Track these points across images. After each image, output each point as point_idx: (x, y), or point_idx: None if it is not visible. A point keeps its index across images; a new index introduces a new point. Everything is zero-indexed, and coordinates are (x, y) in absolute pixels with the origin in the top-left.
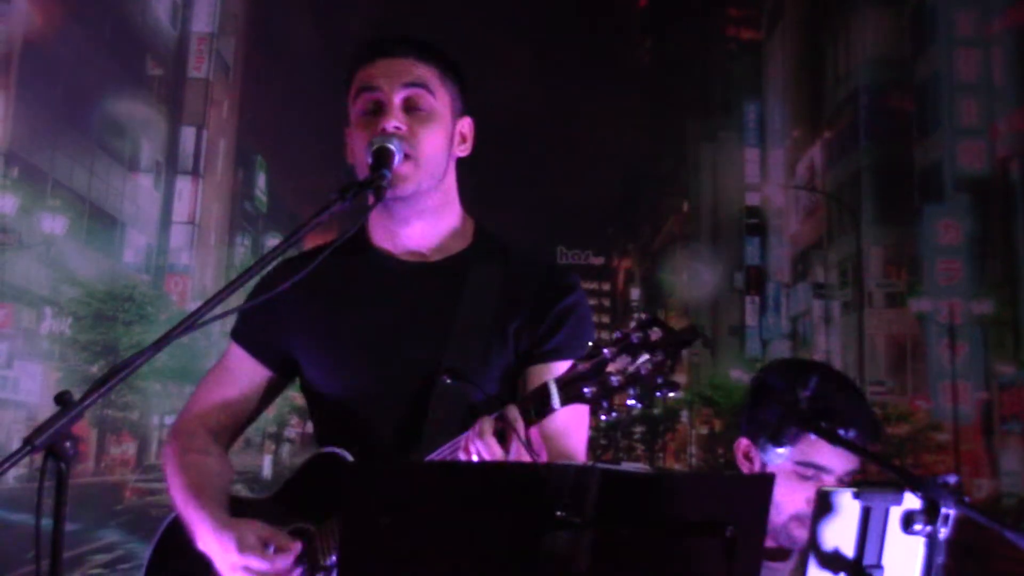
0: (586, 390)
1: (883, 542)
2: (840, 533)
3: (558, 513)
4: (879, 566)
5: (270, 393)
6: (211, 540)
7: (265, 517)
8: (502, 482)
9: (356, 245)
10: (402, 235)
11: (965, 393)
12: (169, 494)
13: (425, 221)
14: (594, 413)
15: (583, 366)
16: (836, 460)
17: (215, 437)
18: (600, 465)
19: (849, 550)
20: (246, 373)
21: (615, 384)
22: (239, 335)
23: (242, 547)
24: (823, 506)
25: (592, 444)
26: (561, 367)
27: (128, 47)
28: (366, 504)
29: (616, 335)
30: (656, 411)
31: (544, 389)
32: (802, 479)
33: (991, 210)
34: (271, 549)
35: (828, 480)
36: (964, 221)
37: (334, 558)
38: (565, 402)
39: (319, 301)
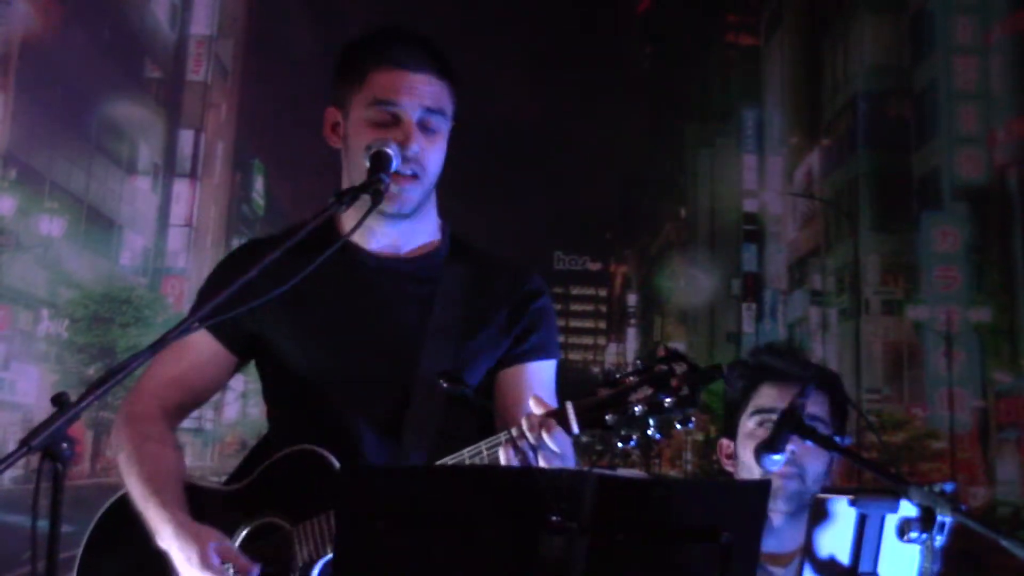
0: (608, 417)
1: (879, 550)
2: (836, 540)
3: (554, 518)
4: (875, 574)
5: (226, 375)
6: (173, 545)
7: (232, 510)
8: (498, 487)
9: (326, 238)
10: (378, 231)
11: (962, 401)
12: (123, 479)
13: (407, 221)
14: (607, 438)
15: (604, 392)
16: (782, 400)
17: (168, 417)
18: (596, 470)
19: (845, 557)
20: (205, 353)
21: (637, 413)
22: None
23: (204, 564)
24: (819, 513)
25: (587, 449)
26: (537, 368)
27: (126, 49)
28: (361, 508)
29: (640, 365)
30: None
31: (563, 414)
32: (760, 427)
33: (989, 218)
34: (230, 570)
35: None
36: (962, 229)
37: (313, 558)
38: (584, 427)
39: (291, 292)
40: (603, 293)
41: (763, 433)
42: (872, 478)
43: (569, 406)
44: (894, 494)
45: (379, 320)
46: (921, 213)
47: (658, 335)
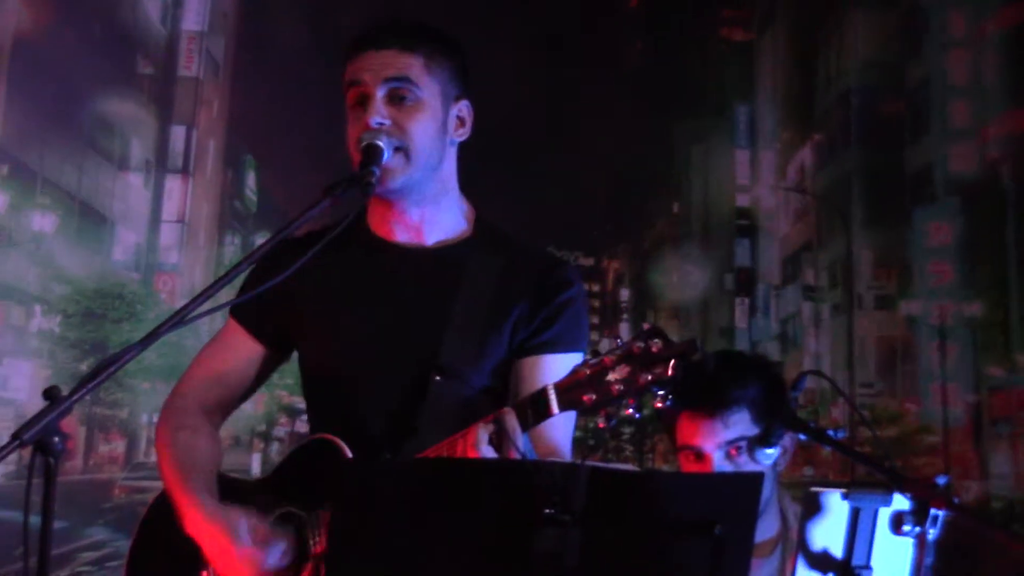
0: (585, 397)
1: (872, 543)
2: (829, 533)
3: (547, 511)
4: (868, 567)
5: (264, 370)
6: (202, 526)
7: (254, 501)
8: (492, 480)
9: (353, 231)
10: (399, 222)
11: (955, 395)
12: (159, 470)
13: (423, 208)
14: (587, 416)
15: (583, 372)
16: (707, 439)
17: (208, 413)
18: (589, 463)
19: (838, 550)
20: (242, 349)
21: (615, 393)
22: (237, 311)
23: (235, 538)
24: (812, 506)
25: (580, 445)
26: (554, 360)
27: (118, 46)
28: (356, 501)
29: (617, 343)
30: (644, 412)
31: (543, 394)
32: (697, 461)
33: (981, 212)
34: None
35: (710, 456)
36: (954, 223)
37: (322, 546)
38: (564, 408)
39: (316, 285)
40: (596, 288)
41: (698, 467)
42: (865, 471)
43: (550, 387)
44: (887, 488)
45: (401, 311)
46: (914, 208)
47: None
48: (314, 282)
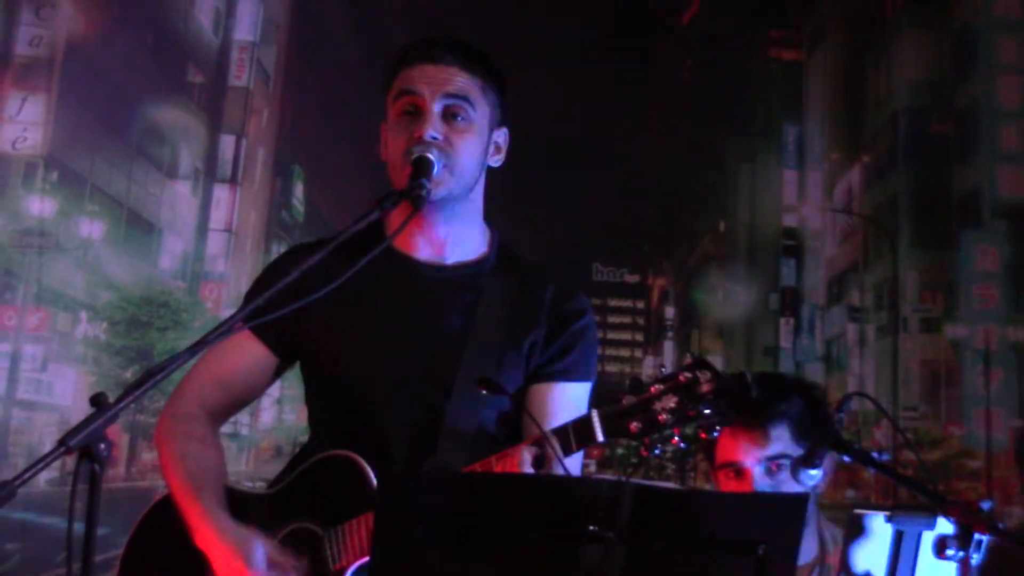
0: (632, 425)
1: (915, 566)
2: (872, 556)
3: (591, 527)
4: None
5: (270, 376)
6: (214, 544)
7: (264, 514)
8: (536, 495)
9: (372, 243)
10: (424, 237)
11: (999, 420)
12: (164, 477)
13: (450, 226)
14: (633, 441)
15: (629, 400)
16: (748, 454)
17: (212, 420)
18: (634, 480)
19: (881, 573)
20: (248, 354)
21: (662, 422)
22: (249, 317)
23: (250, 563)
24: (856, 529)
25: (623, 463)
26: (567, 388)
27: (170, 54)
28: (400, 514)
29: (665, 373)
30: (686, 431)
31: (587, 420)
32: (736, 478)
33: None
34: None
35: (751, 472)
36: (1001, 247)
37: (343, 564)
38: (608, 435)
39: (333, 297)
40: (641, 305)
41: (738, 485)
42: (909, 495)
43: (594, 414)
44: (931, 511)
45: (420, 327)
46: (961, 231)
47: (695, 348)
48: (334, 292)
